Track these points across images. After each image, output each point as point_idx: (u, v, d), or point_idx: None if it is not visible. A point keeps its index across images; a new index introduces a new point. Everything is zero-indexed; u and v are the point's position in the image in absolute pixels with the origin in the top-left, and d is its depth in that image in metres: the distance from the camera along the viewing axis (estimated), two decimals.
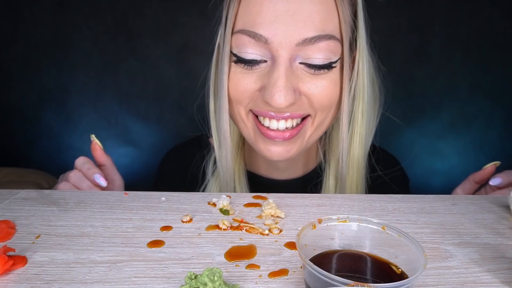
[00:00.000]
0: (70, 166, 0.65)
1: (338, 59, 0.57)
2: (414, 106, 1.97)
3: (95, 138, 0.64)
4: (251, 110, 0.59)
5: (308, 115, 0.59)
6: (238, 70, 0.57)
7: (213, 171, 0.71)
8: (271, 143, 0.59)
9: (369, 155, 0.68)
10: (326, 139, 0.70)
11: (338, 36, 0.56)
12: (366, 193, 0.69)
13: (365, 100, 0.62)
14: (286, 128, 0.58)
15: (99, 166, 0.64)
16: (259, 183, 0.70)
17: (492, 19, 1.90)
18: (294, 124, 0.59)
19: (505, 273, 0.42)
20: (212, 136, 0.67)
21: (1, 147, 2.03)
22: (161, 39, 1.91)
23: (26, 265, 0.40)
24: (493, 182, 0.64)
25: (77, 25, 1.90)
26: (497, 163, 0.66)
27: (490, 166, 0.66)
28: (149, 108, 1.99)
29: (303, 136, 0.60)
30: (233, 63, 0.58)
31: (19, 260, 0.40)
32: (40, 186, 1.55)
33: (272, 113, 0.56)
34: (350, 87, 0.60)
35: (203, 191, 0.71)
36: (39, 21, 1.90)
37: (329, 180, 0.68)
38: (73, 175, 0.61)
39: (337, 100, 0.59)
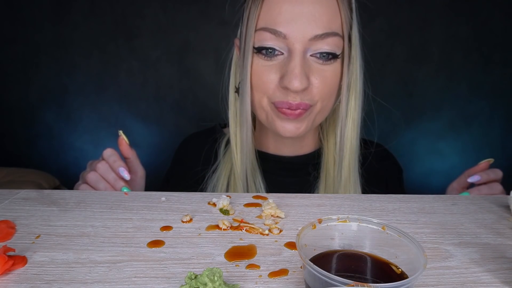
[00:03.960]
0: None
1: (341, 53, 0.68)
2: (414, 106, 1.97)
3: (122, 133, 0.71)
4: (273, 103, 0.70)
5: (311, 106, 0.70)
6: (260, 62, 0.68)
7: (224, 153, 0.81)
8: (285, 121, 0.70)
9: (361, 145, 0.77)
10: (326, 123, 0.81)
11: (340, 33, 0.67)
12: (360, 175, 0.77)
13: (357, 89, 0.73)
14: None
15: (124, 158, 0.72)
16: (267, 160, 0.80)
17: (492, 19, 1.90)
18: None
19: (505, 273, 0.42)
20: (228, 125, 0.79)
21: (1, 147, 2.03)
22: (161, 39, 1.91)
23: (26, 265, 0.40)
24: (471, 179, 0.70)
25: (77, 25, 1.90)
26: (491, 160, 0.70)
27: (484, 163, 0.70)
28: (149, 108, 1.99)
29: (310, 118, 0.71)
30: (255, 55, 0.69)
31: (19, 260, 0.40)
32: (40, 186, 1.55)
33: (290, 102, 0.67)
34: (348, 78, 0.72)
35: (215, 171, 0.80)
36: (39, 21, 1.90)
37: (328, 158, 0.78)
38: (100, 165, 0.67)
39: (336, 88, 0.71)
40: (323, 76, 0.68)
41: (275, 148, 0.82)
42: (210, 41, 1.88)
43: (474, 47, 1.93)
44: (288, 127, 0.70)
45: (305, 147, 0.82)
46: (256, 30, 0.68)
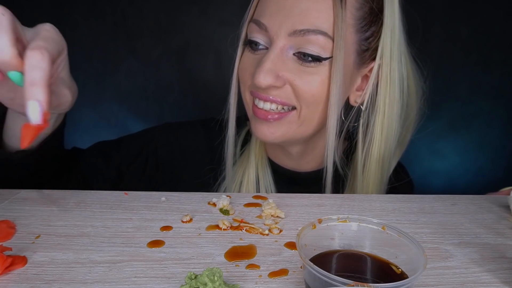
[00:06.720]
0: None
1: (329, 58, 0.60)
2: None
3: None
4: (251, 92, 0.67)
5: (294, 109, 0.64)
6: (246, 54, 0.67)
7: (242, 153, 0.75)
8: (258, 122, 0.65)
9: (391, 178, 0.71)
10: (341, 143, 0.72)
11: (330, 34, 0.60)
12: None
13: (386, 114, 0.65)
14: (271, 109, 0.64)
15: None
16: (273, 170, 0.74)
17: (492, 19, 1.90)
18: (279, 108, 0.64)
19: (505, 273, 0.42)
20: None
21: None
22: (161, 39, 1.91)
23: (26, 265, 0.40)
24: None
25: (77, 25, 1.89)
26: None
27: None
28: (149, 108, 1.99)
29: (289, 126, 0.65)
30: (245, 48, 0.67)
31: (19, 260, 0.40)
32: None
33: (258, 93, 0.64)
34: (363, 96, 0.66)
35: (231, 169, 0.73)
36: (39, 21, 1.89)
37: (329, 183, 0.68)
38: None
39: (323, 96, 0.63)
40: (304, 79, 0.61)
41: (275, 157, 0.76)
42: (210, 41, 1.88)
43: (474, 47, 1.92)
44: (260, 129, 0.65)
45: (307, 165, 0.75)
46: (249, 22, 0.66)
